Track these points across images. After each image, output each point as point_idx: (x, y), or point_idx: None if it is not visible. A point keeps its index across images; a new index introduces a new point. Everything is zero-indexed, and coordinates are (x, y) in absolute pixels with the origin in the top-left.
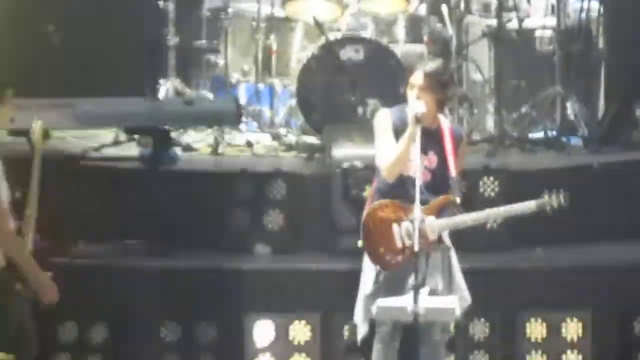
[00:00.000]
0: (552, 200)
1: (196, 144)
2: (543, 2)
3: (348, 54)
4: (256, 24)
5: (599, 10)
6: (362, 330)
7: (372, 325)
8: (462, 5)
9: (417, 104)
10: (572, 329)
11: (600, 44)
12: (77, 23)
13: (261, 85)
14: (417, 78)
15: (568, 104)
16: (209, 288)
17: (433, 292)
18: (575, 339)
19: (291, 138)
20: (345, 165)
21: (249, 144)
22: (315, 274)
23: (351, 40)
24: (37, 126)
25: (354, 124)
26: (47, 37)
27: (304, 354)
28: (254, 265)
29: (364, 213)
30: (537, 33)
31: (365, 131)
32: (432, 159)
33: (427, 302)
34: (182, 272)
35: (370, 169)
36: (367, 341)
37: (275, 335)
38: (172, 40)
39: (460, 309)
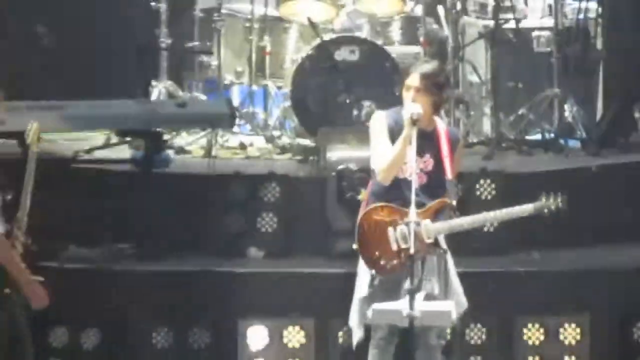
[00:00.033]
0: (549, 203)
1: (189, 146)
2: (540, 2)
3: (343, 55)
4: (250, 24)
5: (597, 11)
6: (357, 335)
7: (368, 329)
8: (459, 6)
9: (413, 106)
10: (570, 333)
11: (598, 45)
12: (68, 24)
13: (255, 87)
14: (413, 80)
15: (566, 106)
16: (202, 292)
17: (429, 297)
18: (573, 343)
19: (285, 140)
20: (340, 167)
21: (243, 146)
22: (310, 277)
23: (346, 41)
24: (32, 128)
25: (349, 126)
26: (38, 39)
27: (298, 359)
28: (247, 269)
29: (359, 216)
30: (535, 34)
31: (360, 133)
32: (428, 161)
33: (423, 306)
34: (174, 276)
35: (365, 172)
36: (362, 346)
37: (269, 340)
38: (165, 41)
39: (457, 314)
